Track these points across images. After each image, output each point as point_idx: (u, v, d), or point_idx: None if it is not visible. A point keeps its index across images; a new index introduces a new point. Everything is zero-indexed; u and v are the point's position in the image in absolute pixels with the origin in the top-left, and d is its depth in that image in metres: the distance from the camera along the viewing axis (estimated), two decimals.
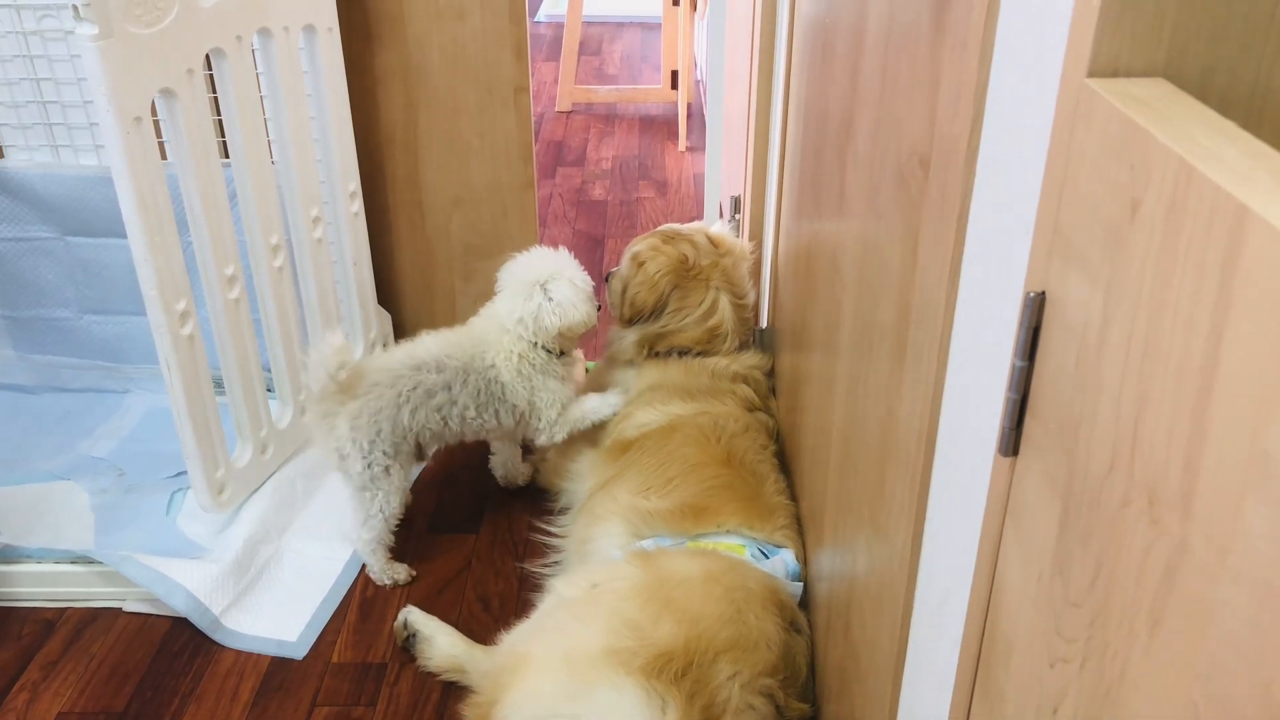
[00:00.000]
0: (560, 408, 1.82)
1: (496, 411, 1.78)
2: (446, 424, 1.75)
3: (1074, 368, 0.59)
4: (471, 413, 1.75)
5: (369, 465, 1.71)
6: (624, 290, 1.95)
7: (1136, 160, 0.52)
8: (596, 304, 1.82)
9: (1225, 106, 0.54)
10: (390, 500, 1.75)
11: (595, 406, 1.85)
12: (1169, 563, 0.49)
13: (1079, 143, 0.58)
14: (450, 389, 1.73)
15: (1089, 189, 0.57)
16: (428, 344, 1.76)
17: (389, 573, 1.81)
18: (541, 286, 1.76)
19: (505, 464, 2.01)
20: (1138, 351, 0.52)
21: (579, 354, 2.30)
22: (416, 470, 2.07)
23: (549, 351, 1.79)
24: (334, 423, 1.71)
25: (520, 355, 1.77)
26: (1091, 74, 0.57)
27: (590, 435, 1.89)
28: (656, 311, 1.90)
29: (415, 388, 1.71)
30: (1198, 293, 0.47)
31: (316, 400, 1.72)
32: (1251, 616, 0.43)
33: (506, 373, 1.77)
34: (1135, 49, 0.56)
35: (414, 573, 1.83)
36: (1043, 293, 0.63)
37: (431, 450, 1.85)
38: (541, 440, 1.85)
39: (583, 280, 1.80)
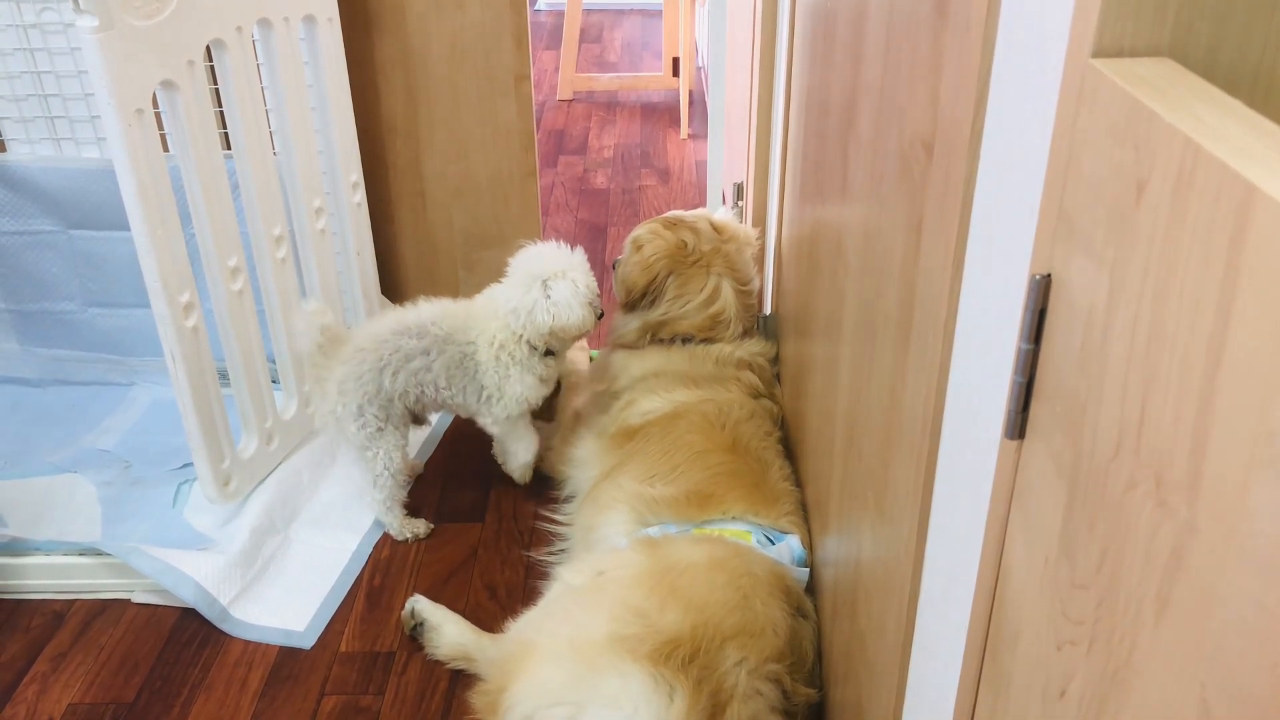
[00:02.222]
0: (525, 406, 1.83)
1: (464, 388, 1.80)
2: (423, 390, 1.77)
3: (1080, 350, 0.59)
4: (443, 382, 1.77)
5: (362, 427, 1.75)
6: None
7: (1142, 140, 0.52)
8: (599, 310, 1.79)
9: (1231, 85, 0.54)
10: (392, 456, 1.79)
11: (525, 444, 1.89)
12: (1176, 544, 0.49)
13: (1083, 124, 0.58)
14: (428, 354, 1.75)
15: (1094, 170, 0.57)
16: (421, 310, 1.79)
17: (408, 528, 1.86)
18: (543, 282, 1.75)
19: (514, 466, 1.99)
20: (1144, 333, 0.52)
21: (582, 342, 2.30)
22: (430, 435, 2.09)
23: (533, 348, 1.78)
24: (325, 389, 1.76)
25: (501, 344, 1.77)
26: (1096, 54, 0.56)
27: (594, 422, 1.89)
28: (650, 295, 1.90)
29: (396, 351, 1.74)
30: (1204, 272, 0.46)
31: (310, 366, 1.76)
32: (1258, 597, 0.43)
33: (484, 354, 1.78)
34: (1140, 28, 0.55)
35: (432, 525, 1.88)
36: (1048, 275, 0.63)
37: (427, 415, 1.87)
38: (485, 422, 1.87)
39: (586, 284, 1.76)
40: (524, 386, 1.80)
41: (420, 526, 1.87)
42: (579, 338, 1.85)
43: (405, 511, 1.86)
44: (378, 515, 1.87)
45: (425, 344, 1.74)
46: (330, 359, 1.75)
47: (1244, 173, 0.44)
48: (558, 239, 1.84)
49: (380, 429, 1.76)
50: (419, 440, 2.11)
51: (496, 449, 2.02)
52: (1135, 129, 0.52)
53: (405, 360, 1.74)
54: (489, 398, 1.81)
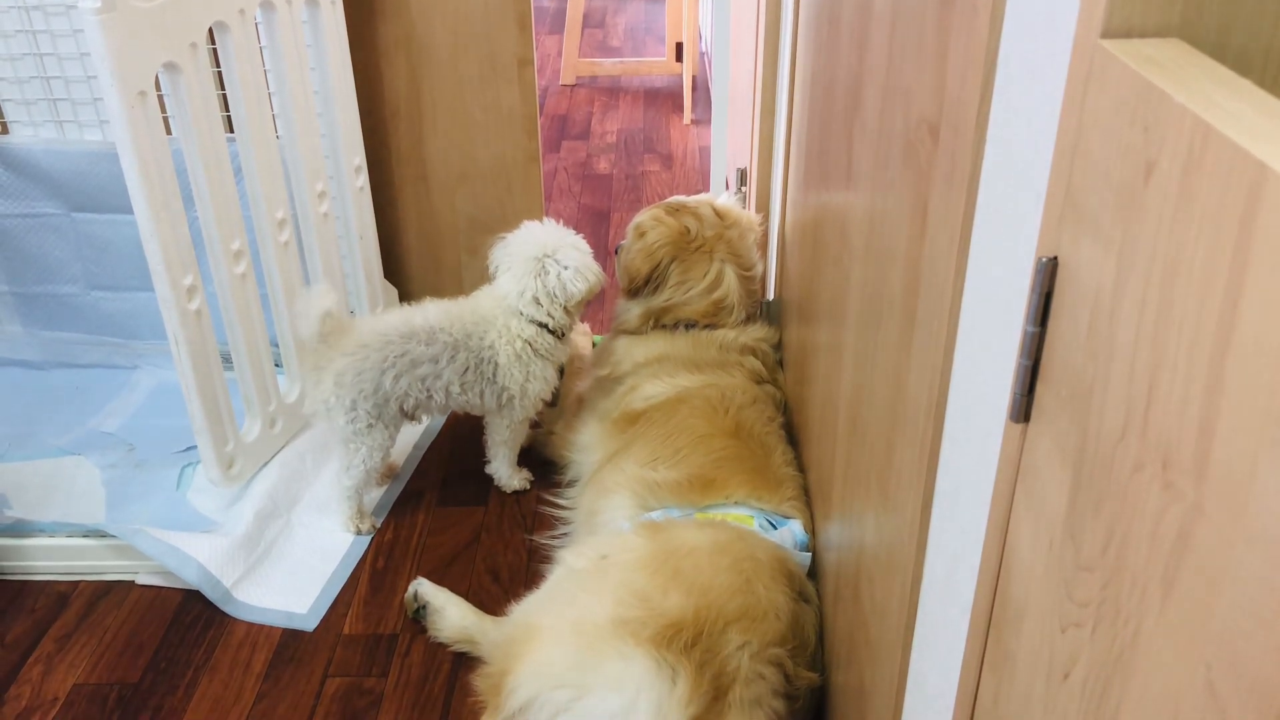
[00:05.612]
0: (540, 405, 1.87)
1: (482, 392, 1.80)
2: (430, 395, 1.76)
3: (1086, 333, 0.59)
4: (456, 388, 1.77)
5: (352, 421, 1.75)
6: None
7: (1151, 121, 0.51)
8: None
9: (1241, 66, 0.54)
10: (373, 454, 1.78)
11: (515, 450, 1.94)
12: (1182, 526, 0.49)
13: (1092, 105, 0.58)
14: (437, 362, 1.74)
15: (1102, 152, 0.57)
16: (428, 312, 1.77)
17: (354, 522, 1.85)
18: (552, 259, 1.76)
19: (498, 470, 1.98)
20: (1151, 315, 0.52)
21: (586, 327, 2.31)
22: (420, 429, 2.09)
23: (555, 334, 1.79)
24: (321, 377, 1.74)
25: (526, 340, 1.78)
26: (1105, 35, 0.56)
27: (597, 407, 1.89)
28: (653, 282, 1.90)
29: (403, 355, 1.72)
30: (1213, 254, 0.46)
31: (309, 351, 1.75)
32: (1265, 578, 0.43)
33: (504, 355, 1.77)
34: (1149, 9, 0.55)
35: (377, 525, 1.88)
36: (1055, 258, 0.63)
37: (422, 416, 1.87)
38: (498, 425, 1.89)
39: (584, 245, 1.82)
40: (547, 380, 1.82)
41: (366, 524, 1.85)
42: (592, 301, 1.86)
43: (360, 508, 1.85)
44: (336, 499, 1.86)
45: (434, 351, 1.73)
46: (332, 348, 1.73)
47: (1255, 152, 0.43)
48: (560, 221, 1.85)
49: (370, 425, 1.75)
50: (415, 435, 2.10)
51: (490, 453, 1.96)
52: (1145, 110, 0.52)
53: (412, 366, 1.72)
54: (510, 399, 1.81)
